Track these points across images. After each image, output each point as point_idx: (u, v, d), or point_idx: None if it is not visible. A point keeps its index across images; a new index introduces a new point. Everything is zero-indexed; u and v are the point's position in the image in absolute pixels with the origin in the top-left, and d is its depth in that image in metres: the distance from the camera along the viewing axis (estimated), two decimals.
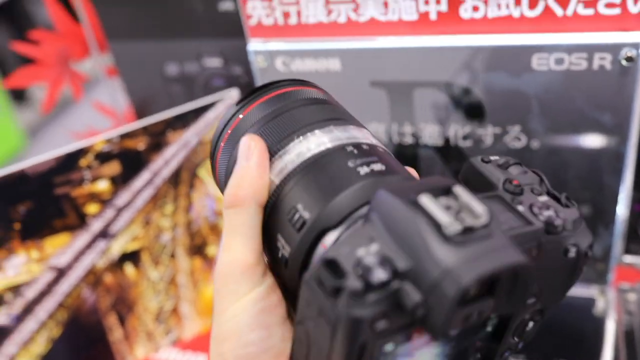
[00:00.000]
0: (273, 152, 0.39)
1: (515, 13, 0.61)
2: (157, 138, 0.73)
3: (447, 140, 0.70)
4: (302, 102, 0.43)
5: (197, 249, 0.81)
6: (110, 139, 0.70)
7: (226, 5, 0.83)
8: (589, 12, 0.59)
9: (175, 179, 0.75)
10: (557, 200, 0.37)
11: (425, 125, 0.70)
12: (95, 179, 0.71)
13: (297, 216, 0.36)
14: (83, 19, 0.95)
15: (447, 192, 0.31)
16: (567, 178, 0.69)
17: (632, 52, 0.59)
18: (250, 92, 0.44)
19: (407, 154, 0.73)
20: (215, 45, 0.85)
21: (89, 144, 0.69)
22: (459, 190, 0.30)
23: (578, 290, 0.75)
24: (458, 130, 0.69)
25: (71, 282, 0.73)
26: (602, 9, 0.59)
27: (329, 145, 0.38)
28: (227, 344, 0.35)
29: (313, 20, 0.68)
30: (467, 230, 0.28)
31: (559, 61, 0.62)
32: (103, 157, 0.70)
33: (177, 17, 0.86)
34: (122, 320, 0.77)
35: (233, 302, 0.36)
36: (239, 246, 0.36)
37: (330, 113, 0.42)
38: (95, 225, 0.72)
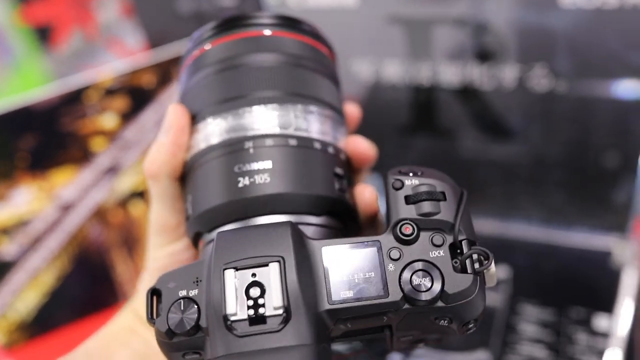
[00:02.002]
0: (202, 116, 0.38)
1: None
2: (167, 74, 0.71)
3: (467, 84, 0.67)
4: (271, 57, 0.39)
5: None
6: (119, 74, 0.68)
7: None
8: None
9: None
10: (460, 253, 0.31)
11: (444, 65, 0.67)
12: (103, 113, 0.69)
13: (187, 206, 0.38)
14: None
15: (264, 265, 0.30)
16: (592, 123, 0.66)
17: None
18: (231, 19, 0.40)
19: (424, 97, 0.70)
20: None
21: (97, 79, 0.67)
22: (273, 268, 0.30)
23: (597, 240, 0.72)
24: (479, 70, 0.66)
25: (78, 217, 0.72)
26: None
27: (232, 135, 0.37)
28: (145, 275, 0.42)
29: None
30: (254, 321, 0.29)
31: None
32: (111, 92, 0.69)
33: None
34: (129, 258, 0.76)
35: (155, 250, 0.41)
36: (156, 210, 0.40)
37: (287, 84, 0.38)
38: (103, 160, 0.71)
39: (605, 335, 0.61)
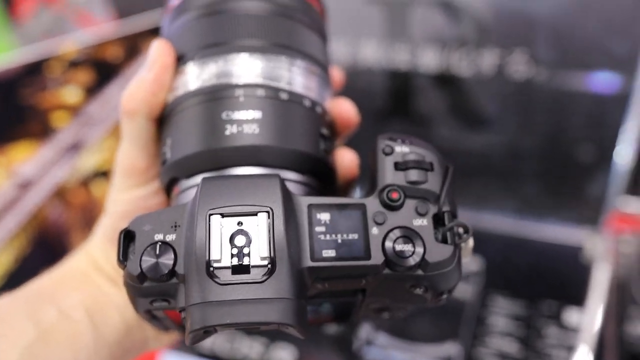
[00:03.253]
0: (185, 59, 0.37)
1: None
2: (134, 47, 0.68)
3: (444, 69, 0.66)
4: (259, 5, 0.37)
5: None
6: (83, 45, 0.65)
7: None
8: None
9: None
10: (442, 224, 0.32)
11: (422, 50, 0.65)
12: (65, 86, 0.66)
13: (164, 149, 0.36)
14: None
15: (252, 214, 0.30)
16: (569, 115, 0.66)
17: None
18: None
19: (400, 82, 0.68)
20: None
21: (60, 50, 0.64)
22: (261, 218, 0.29)
23: (570, 233, 0.72)
24: (459, 58, 0.65)
25: (38, 196, 0.69)
26: None
27: (221, 81, 0.35)
28: (105, 219, 0.39)
29: None
30: (237, 270, 0.29)
31: None
32: (75, 64, 0.66)
33: None
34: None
35: (119, 192, 0.38)
36: (128, 151, 0.38)
37: (275, 34, 0.37)
38: (64, 136, 0.68)
39: (575, 329, 0.61)
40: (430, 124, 0.71)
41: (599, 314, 0.61)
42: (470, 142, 0.71)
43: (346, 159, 0.38)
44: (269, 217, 0.29)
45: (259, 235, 0.29)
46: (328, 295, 0.33)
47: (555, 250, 0.71)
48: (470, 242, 0.32)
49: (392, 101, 0.70)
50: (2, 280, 0.70)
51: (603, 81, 0.62)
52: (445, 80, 0.66)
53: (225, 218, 0.29)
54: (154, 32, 0.68)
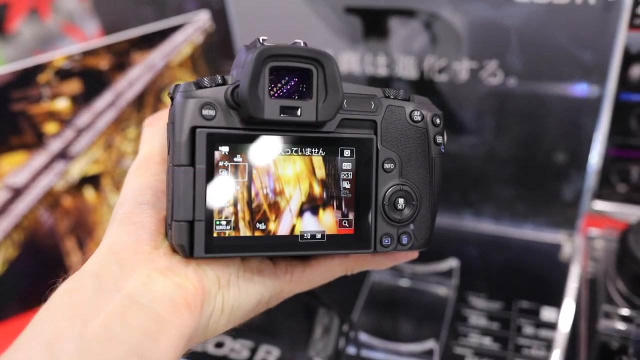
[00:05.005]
0: None
1: None
2: (122, 58, 0.70)
3: (421, 74, 0.68)
4: None
5: None
6: (71, 55, 0.67)
7: None
8: None
9: (139, 102, 0.73)
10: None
11: (399, 56, 0.68)
12: (54, 96, 0.68)
13: None
14: None
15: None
16: (542, 119, 0.68)
17: None
18: None
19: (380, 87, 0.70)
20: None
21: (48, 60, 0.66)
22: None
23: (546, 235, 0.74)
24: (434, 63, 0.67)
25: (28, 202, 0.70)
26: None
27: None
28: (121, 208, 0.39)
29: None
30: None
31: None
32: (63, 74, 0.67)
33: None
34: (80, 245, 0.75)
35: (138, 177, 0.40)
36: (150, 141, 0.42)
37: None
38: (54, 145, 0.69)
39: (552, 327, 0.62)
40: None
41: (572, 312, 0.63)
42: (448, 147, 0.72)
43: None
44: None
45: None
46: (347, 131, 0.38)
47: (531, 250, 0.73)
48: None
49: None
50: None
51: (575, 86, 0.64)
52: (422, 87, 0.68)
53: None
54: (144, 41, 0.70)
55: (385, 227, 0.39)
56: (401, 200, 0.39)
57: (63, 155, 0.70)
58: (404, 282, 0.69)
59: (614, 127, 0.67)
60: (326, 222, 0.38)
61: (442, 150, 0.41)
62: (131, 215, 0.38)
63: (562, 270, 0.69)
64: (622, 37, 0.60)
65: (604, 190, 0.71)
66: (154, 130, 0.42)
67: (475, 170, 0.73)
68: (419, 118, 0.40)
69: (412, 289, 0.69)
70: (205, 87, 0.35)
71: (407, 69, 0.68)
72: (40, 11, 0.98)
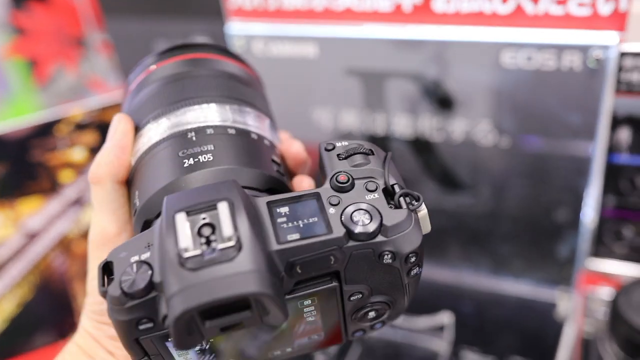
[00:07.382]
0: (143, 124, 0.41)
1: (487, 9, 0.62)
2: None
3: (418, 135, 0.71)
4: (208, 72, 0.43)
5: None
6: (90, 109, 0.72)
7: None
8: (560, 11, 0.60)
9: None
10: (391, 196, 0.35)
11: (397, 115, 0.71)
12: (72, 146, 0.72)
13: (134, 201, 0.38)
14: None
15: (213, 207, 0.31)
16: (535, 179, 0.69)
17: (600, 53, 0.59)
18: (176, 46, 0.45)
19: (379, 146, 0.73)
20: (203, 24, 0.86)
21: (68, 113, 0.71)
22: (222, 207, 0.31)
23: (541, 292, 0.75)
24: (430, 123, 0.70)
25: (42, 246, 0.74)
26: (573, 9, 0.59)
27: (174, 130, 0.39)
28: (89, 298, 0.40)
29: (291, 7, 0.69)
30: (208, 254, 0.29)
31: (529, 59, 0.62)
32: (81, 126, 0.72)
33: None
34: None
35: (94, 266, 0.39)
36: (99, 219, 0.39)
37: (224, 90, 0.42)
38: (70, 192, 0.74)
39: None
40: (408, 185, 0.75)
41: None
42: (446, 204, 0.74)
43: (294, 147, 0.42)
44: (229, 204, 0.31)
45: (221, 220, 0.30)
46: (304, 288, 0.34)
47: (526, 307, 0.73)
48: (424, 208, 0.35)
49: None
50: (4, 324, 0.75)
51: (564, 143, 0.66)
52: (419, 145, 0.71)
53: (190, 215, 0.31)
54: None
55: (357, 326, 0.38)
56: (372, 313, 0.37)
57: (77, 202, 0.74)
58: (397, 336, 0.71)
59: (607, 187, 0.68)
60: (296, 344, 0.38)
61: (419, 273, 0.37)
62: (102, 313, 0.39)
63: (556, 329, 0.69)
64: (608, 101, 0.62)
65: (600, 249, 0.71)
66: (104, 192, 0.40)
67: (472, 226, 0.75)
68: (389, 260, 0.34)
69: (405, 344, 0.70)
70: (131, 296, 0.31)
71: (404, 128, 0.71)
72: (68, 65, 1.04)
